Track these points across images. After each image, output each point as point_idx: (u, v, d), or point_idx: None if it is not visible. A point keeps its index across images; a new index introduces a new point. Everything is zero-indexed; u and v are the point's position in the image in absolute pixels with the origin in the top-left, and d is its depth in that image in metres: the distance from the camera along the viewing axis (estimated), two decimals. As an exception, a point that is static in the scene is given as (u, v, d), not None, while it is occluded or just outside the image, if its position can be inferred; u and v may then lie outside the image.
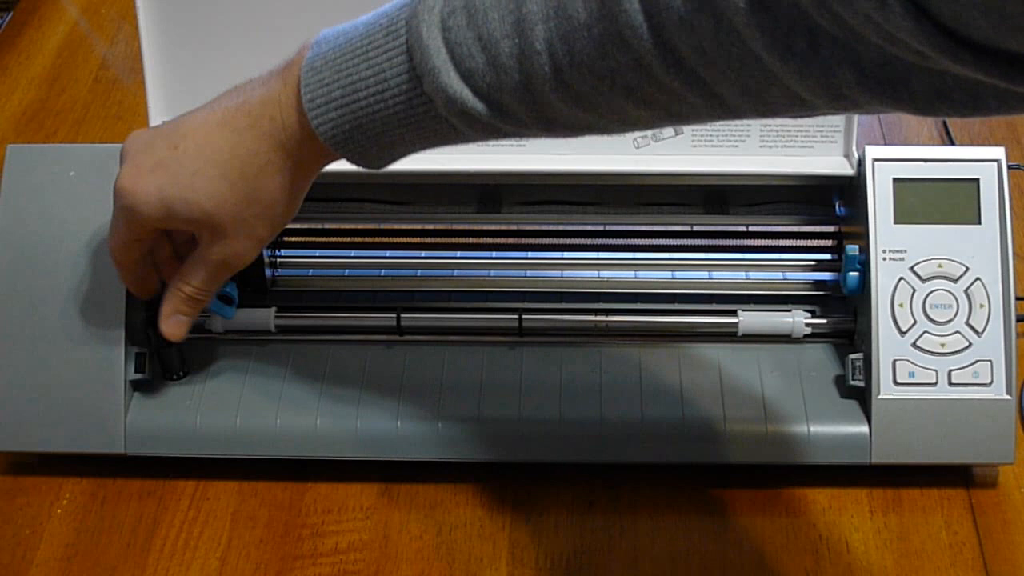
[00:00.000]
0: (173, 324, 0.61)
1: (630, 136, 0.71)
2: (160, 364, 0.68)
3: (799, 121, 0.70)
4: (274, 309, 0.71)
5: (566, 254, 0.74)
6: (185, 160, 0.54)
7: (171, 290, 0.61)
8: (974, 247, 0.66)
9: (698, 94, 0.44)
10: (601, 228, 0.74)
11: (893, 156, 0.67)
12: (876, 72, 0.39)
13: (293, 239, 0.75)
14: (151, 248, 0.61)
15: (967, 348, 0.65)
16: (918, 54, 0.36)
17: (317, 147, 0.52)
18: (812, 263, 0.73)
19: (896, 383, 0.65)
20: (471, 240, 0.75)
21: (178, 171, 0.54)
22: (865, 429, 0.65)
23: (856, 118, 0.69)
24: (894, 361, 0.65)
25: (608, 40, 0.43)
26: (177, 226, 0.57)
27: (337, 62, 0.50)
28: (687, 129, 0.70)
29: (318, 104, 0.50)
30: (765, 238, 0.74)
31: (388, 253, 0.75)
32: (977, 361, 0.65)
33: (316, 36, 0.51)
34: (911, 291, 0.66)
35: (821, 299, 0.72)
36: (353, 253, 0.75)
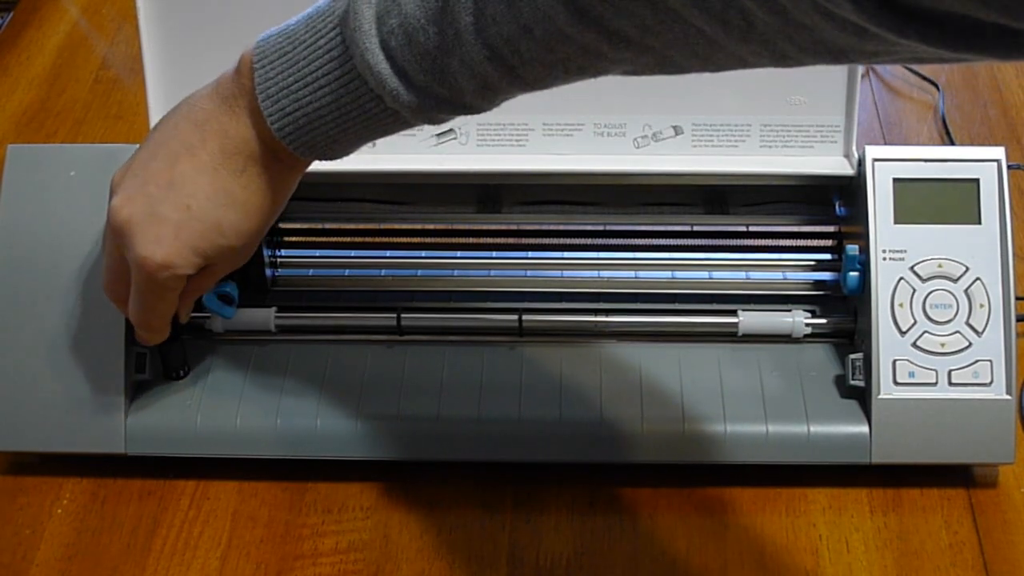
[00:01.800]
0: (185, 315, 0.64)
1: (630, 136, 0.71)
2: (162, 362, 0.68)
3: (799, 121, 0.70)
4: (274, 309, 0.71)
5: (566, 254, 0.74)
6: (205, 215, 0.55)
7: (187, 292, 0.62)
8: (974, 247, 0.66)
9: (649, 57, 0.45)
10: (601, 228, 0.74)
11: (893, 156, 0.67)
12: (812, 47, 0.40)
13: (293, 239, 0.75)
14: None
15: (967, 348, 0.65)
16: (856, 33, 0.37)
17: (300, 159, 0.55)
18: (812, 263, 0.73)
19: (896, 383, 0.65)
20: (471, 240, 0.75)
21: (203, 226, 0.55)
22: (865, 429, 0.66)
23: (856, 118, 0.69)
24: (894, 361, 0.65)
25: (553, 38, 0.44)
26: (209, 268, 0.59)
27: (282, 51, 0.52)
28: (687, 129, 0.70)
29: (280, 126, 0.53)
30: (765, 238, 0.74)
31: (388, 253, 0.75)
32: (977, 361, 0.65)
33: (257, 39, 0.53)
34: (911, 291, 0.66)
35: (821, 299, 0.72)
36: (353, 253, 0.75)
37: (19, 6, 1.08)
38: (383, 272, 0.74)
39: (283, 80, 0.52)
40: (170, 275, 0.56)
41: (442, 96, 0.49)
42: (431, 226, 0.75)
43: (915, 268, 0.66)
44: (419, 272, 0.74)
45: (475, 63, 0.46)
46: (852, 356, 0.66)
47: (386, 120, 0.51)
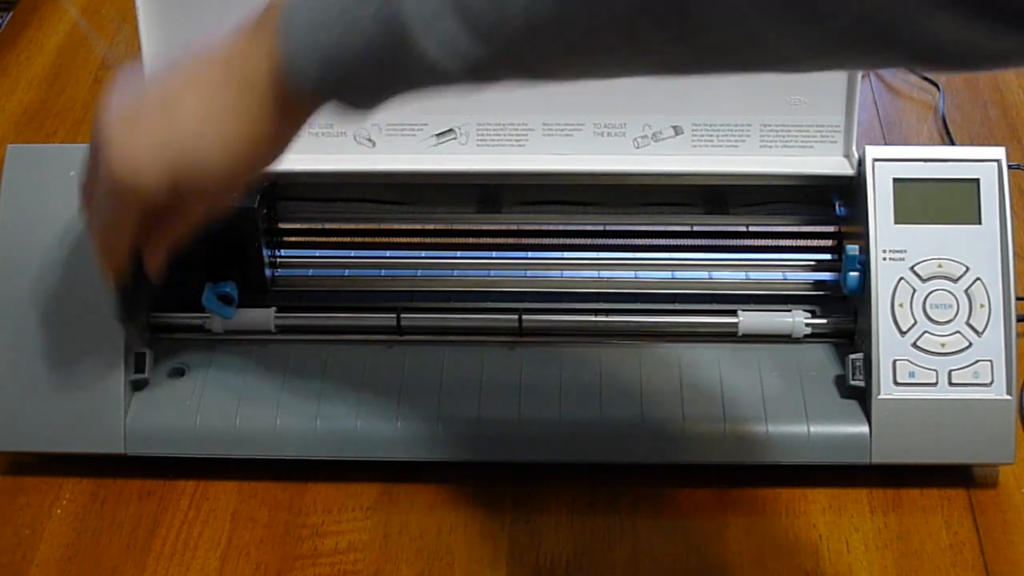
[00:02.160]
0: (159, 264, 0.60)
1: (630, 136, 0.71)
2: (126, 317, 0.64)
3: (799, 121, 0.70)
4: (274, 309, 0.71)
5: (566, 254, 0.74)
6: (186, 136, 0.52)
7: (158, 235, 0.58)
8: (974, 247, 0.66)
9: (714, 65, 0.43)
10: (601, 228, 0.74)
11: (893, 156, 0.67)
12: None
13: (293, 239, 0.75)
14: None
15: (967, 348, 0.65)
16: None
17: (310, 98, 0.50)
18: (812, 263, 0.73)
19: (896, 383, 0.65)
20: (471, 240, 0.75)
21: (181, 147, 0.52)
22: (865, 429, 0.65)
23: (856, 117, 0.69)
24: (894, 361, 0.65)
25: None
26: (176, 197, 0.54)
27: None
28: (687, 129, 0.70)
29: (295, 35, 0.48)
30: (765, 238, 0.74)
31: (388, 253, 0.75)
32: (977, 361, 0.65)
33: None
34: (911, 291, 0.66)
35: (821, 299, 0.72)
36: (353, 253, 0.75)
37: (19, 6, 1.08)
38: (383, 272, 0.74)
39: (311, 14, 0.47)
40: (133, 187, 0.53)
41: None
42: (431, 226, 0.75)
43: (915, 268, 0.66)
44: (419, 272, 0.74)
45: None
46: (852, 356, 0.66)
47: (415, 69, 0.46)
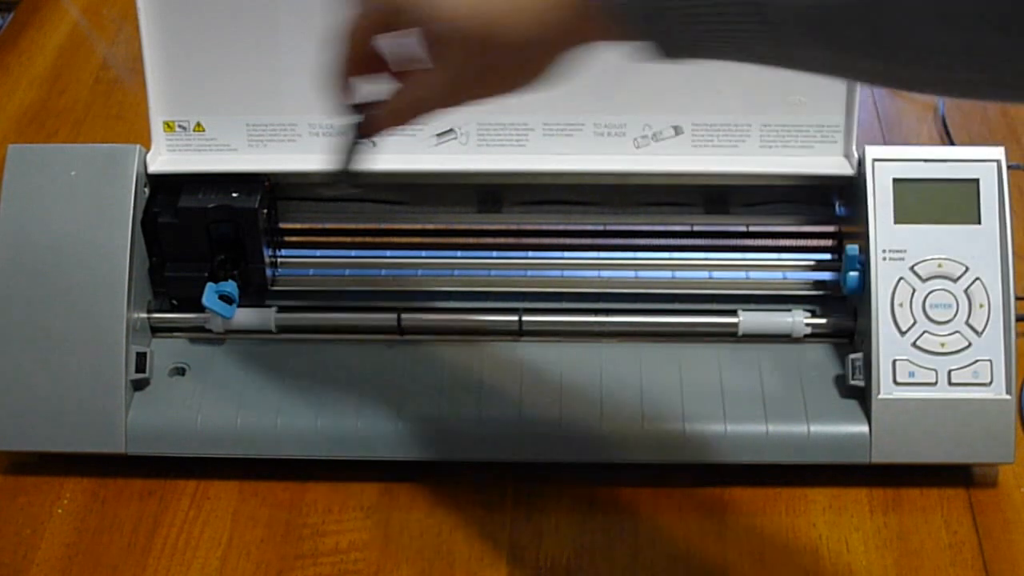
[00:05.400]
0: (376, 124, 0.53)
1: (630, 136, 0.71)
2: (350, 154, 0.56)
3: (799, 121, 0.70)
4: (274, 309, 0.71)
5: (566, 254, 0.74)
6: None
7: (397, 91, 0.51)
8: (974, 247, 0.66)
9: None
10: (601, 228, 0.74)
11: (893, 156, 0.67)
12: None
13: (293, 239, 0.75)
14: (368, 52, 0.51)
15: (967, 348, 0.65)
16: None
17: (596, 18, 0.44)
18: (812, 263, 0.73)
19: (896, 383, 0.65)
20: (471, 240, 0.75)
21: None
22: (865, 429, 0.66)
23: (856, 117, 0.70)
24: (894, 361, 0.65)
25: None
26: (406, 25, 0.48)
27: None
28: (687, 129, 0.70)
29: None
30: (765, 238, 0.74)
31: (388, 253, 0.75)
32: (977, 361, 0.65)
33: None
34: (911, 291, 0.66)
35: (821, 299, 0.72)
36: (353, 253, 0.75)
37: (20, 6, 1.09)
38: (383, 272, 0.74)
39: None
40: None
41: None
42: (431, 226, 0.75)
43: (915, 268, 0.66)
44: (419, 272, 0.74)
45: None
46: (852, 356, 0.66)
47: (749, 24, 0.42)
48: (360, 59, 0.51)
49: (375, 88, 0.52)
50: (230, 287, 0.70)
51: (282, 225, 0.74)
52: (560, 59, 0.47)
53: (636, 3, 0.43)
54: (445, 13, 0.46)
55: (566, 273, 0.73)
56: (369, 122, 0.53)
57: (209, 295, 0.69)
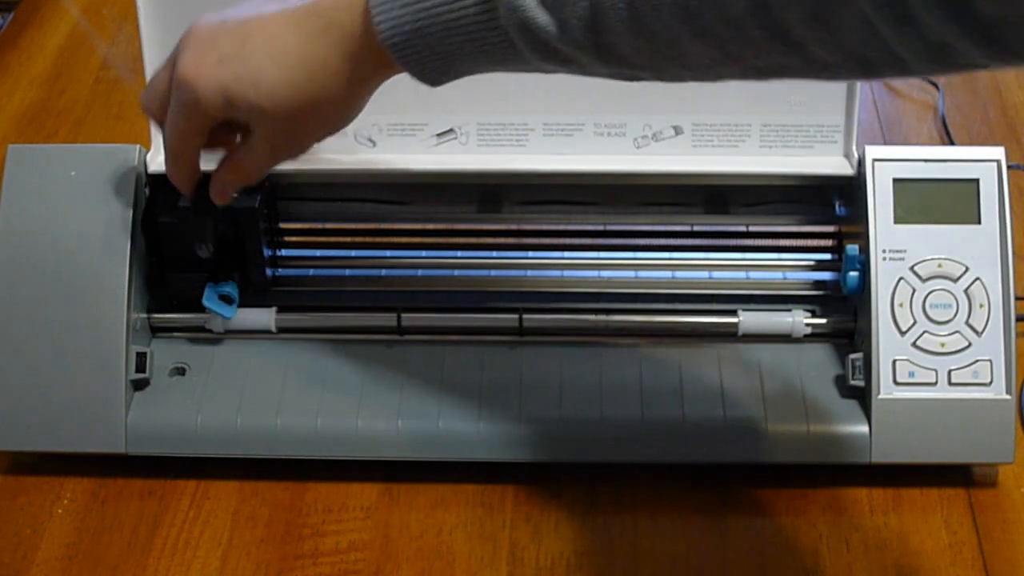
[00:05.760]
0: (222, 192, 0.62)
1: (630, 136, 0.71)
2: (193, 229, 0.67)
3: (799, 121, 0.70)
4: (274, 309, 0.71)
5: (566, 254, 0.74)
6: (251, 59, 0.53)
7: (226, 164, 0.60)
8: (974, 247, 0.66)
9: (795, 55, 0.44)
10: (601, 228, 0.74)
11: (893, 156, 0.67)
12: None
13: (293, 239, 0.75)
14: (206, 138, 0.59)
15: (967, 348, 0.65)
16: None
17: (382, 56, 0.51)
18: (812, 263, 0.73)
19: (896, 383, 0.65)
20: (471, 240, 0.75)
21: (243, 70, 0.53)
22: (865, 429, 0.66)
23: (856, 117, 0.70)
24: (894, 361, 0.65)
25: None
26: (236, 117, 0.56)
27: None
28: (687, 129, 0.70)
29: (382, 2, 0.49)
30: (765, 238, 0.74)
31: (388, 253, 0.75)
32: (977, 361, 0.65)
33: None
34: (911, 291, 0.66)
35: (821, 299, 0.72)
36: (353, 253, 0.75)
37: (20, 6, 1.09)
38: (383, 272, 0.74)
39: None
40: (192, 99, 0.54)
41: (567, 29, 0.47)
42: (431, 226, 0.75)
43: (915, 268, 0.66)
44: (419, 272, 0.74)
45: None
46: (852, 356, 0.66)
47: (500, 46, 0.49)
48: (201, 143, 0.58)
49: (214, 157, 0.60)
50: (230, 287, 0.70)
51: (282, 225, 0.74)
52: (366, 97, 0.55)
53: (400, 39, 0.50)
54: (266, 103, 0.53)
55: (566, 273, 0.73)
56: (215, 190, 0.62)
57: (209, 295, 0.69)
